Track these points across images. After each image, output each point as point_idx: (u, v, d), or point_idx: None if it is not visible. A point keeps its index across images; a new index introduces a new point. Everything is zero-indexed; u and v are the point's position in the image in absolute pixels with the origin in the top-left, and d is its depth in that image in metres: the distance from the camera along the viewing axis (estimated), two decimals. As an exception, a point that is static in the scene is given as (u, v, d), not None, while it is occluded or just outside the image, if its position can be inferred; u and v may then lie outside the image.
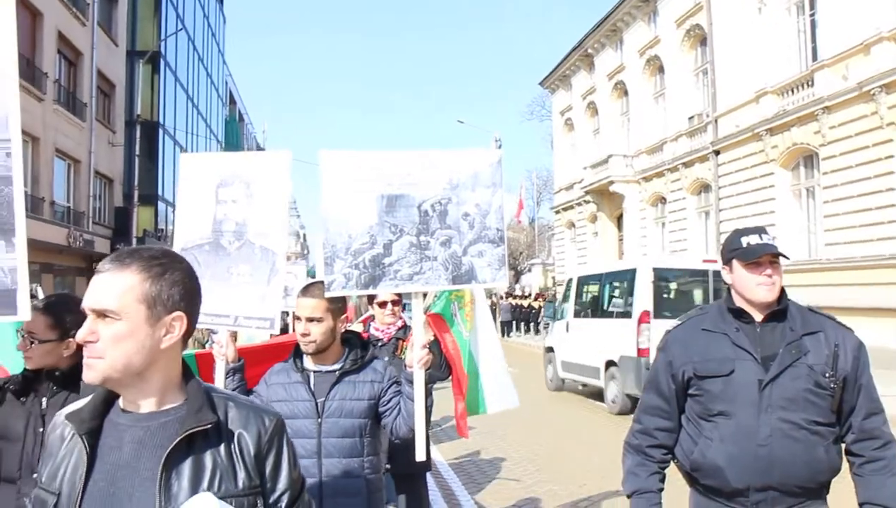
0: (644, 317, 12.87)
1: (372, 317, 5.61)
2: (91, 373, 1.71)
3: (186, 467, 1.73)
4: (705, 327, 3.13)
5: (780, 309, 3.05)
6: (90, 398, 1.84)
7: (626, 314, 13.55)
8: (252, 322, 3.49)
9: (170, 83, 37.31)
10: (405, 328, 5.58)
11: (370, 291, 3.51)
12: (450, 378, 5.67)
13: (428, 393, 3.39)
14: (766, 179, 24.99)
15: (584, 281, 16.68)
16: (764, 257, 3.00)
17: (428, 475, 8.70)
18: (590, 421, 13.09)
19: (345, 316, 3.55)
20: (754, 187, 25.61)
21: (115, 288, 1.72)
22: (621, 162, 34.93)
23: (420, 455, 3.34)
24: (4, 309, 2.18)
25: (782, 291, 3.07)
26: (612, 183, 34.79)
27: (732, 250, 3.09)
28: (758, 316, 3.05)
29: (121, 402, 1.81)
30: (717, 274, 12.59)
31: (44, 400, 3.03)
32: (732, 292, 3.13)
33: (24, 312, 2.25)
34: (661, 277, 13.60)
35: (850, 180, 20.84)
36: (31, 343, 2.97)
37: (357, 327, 5.86)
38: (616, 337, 13.69)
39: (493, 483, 8.80)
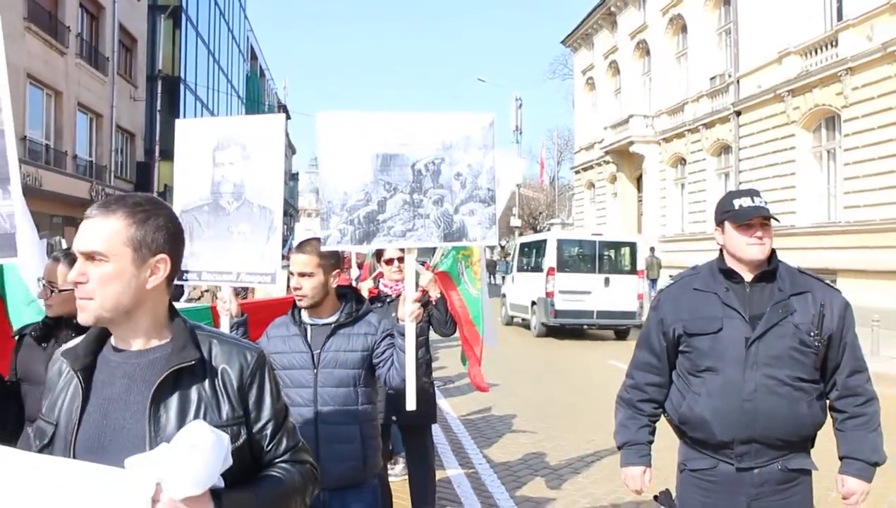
0: (550, 271, 19.41)
1: (381, 274, 5.75)
2: (83, 314, 1.85)
3: (174, 401, 1.87)
4: (696, 286, 3.25)
5: (769, 270, 3.17)
6: (84, 336, 1.99)
7: (541, 269, 19.86)
8: (254, 277, 3.67)
9: (191, 38, 37.34)
10: (413, 285, 5.72)
11: (364, 247, 3.65)
12: (457, 334, 5.82)
13: (421, 345, 3.50)
14: (787, 141, 24.80)
15: (522, 246, 23.24)
16: (755, 219, 3.11)
17: (438, 429, 8.98)
18: (597, 377, 13.27)
19: (337, 271, 3.68)
20: (775, 149, 25.42)
21: (102, 232, 1.84)
22: (642, 122, 34.71)
23: (410, 405, 3.46)
24: (5, 252, 2.30)
25: (773, 252, 3.18)
26: (632, 143, 34.62)
27: (724, 212, 3.20)
28: (748, 277, 3.16)
29: (112, 341, 1.95)
30: (603, 244, 20.44)
31: (63, 345, 3.19)
32: (724, 253, 3.23)
33: (24, 253, 2.37)
34: (562, 245, 20.20)
35: (872, 143, 20.67)
36: (52, 291, 3.12)
37: (369, 283, 6.00)
38: (536, 285, 20.03)
39: (502, 438, 8.99)
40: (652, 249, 30.23)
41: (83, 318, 1.85)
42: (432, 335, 6.09)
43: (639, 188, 36.89)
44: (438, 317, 5.58)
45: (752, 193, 3.22)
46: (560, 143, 60.69)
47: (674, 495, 3.33)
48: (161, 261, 1.91)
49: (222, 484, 1.78)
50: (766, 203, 3.19)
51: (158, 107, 33.35)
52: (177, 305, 5.22)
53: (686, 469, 3.26)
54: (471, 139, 3.55)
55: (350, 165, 3.44)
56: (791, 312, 3.08)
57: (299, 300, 3.59)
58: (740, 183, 27.55)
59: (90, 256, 1.84)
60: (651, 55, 35.51)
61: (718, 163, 30.25)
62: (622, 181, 38.13)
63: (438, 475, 7.13)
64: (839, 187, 22.66)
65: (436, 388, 11.48)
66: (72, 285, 1.87)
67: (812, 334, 3.06)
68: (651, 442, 3.36)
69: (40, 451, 1.90)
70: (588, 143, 43.27)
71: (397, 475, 6.66)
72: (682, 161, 32.75)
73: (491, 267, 37.57)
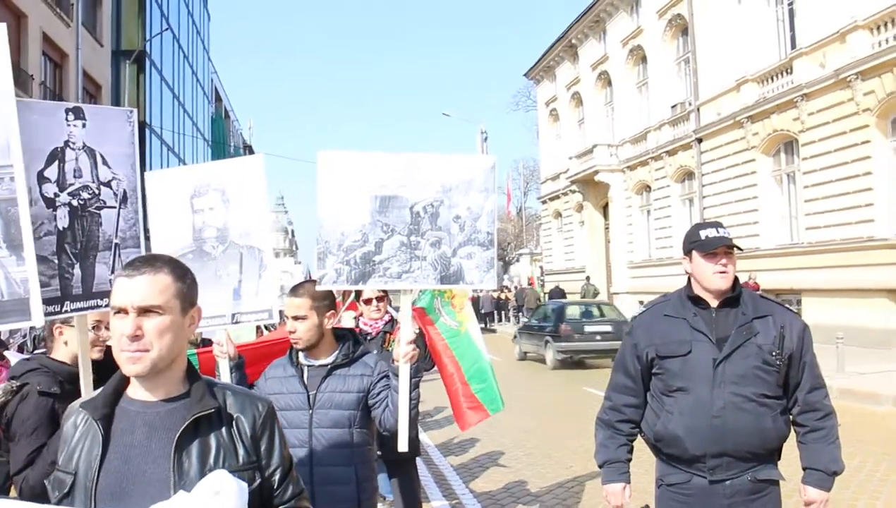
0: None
1: (361, 313, 5.89)
2: (139, 366, 1.97)
3: (195, 447, 2.01)
4: (667, 313, 3.48)
5: (733, 296, 3.40)
6: (102, 388, 2.11)
7: None
8: (251, 316, 3.75)
9: (156, 82, 37.39)
10: (392, 321, 5.86)
11: (360, 287, 3.71)
12: (435, 368, 5.96)
13: (415, 387, 3.56)
14: (748, 165, 25.38)
15: None
16: (720, 248, 3.34)
17: (421, 462, 9.06)
18: (576, 404, 13.43)
19: (331, 312, 3.74)
20: (737, 173, 25.99)
21: (156, 287, 2.00)
22: (606, 151, 35.26)
23: (402, 447, 3.51)
24: (20, 317, 2.40)
25: (736, 279, 3.40)
26: (597, 172, 35.12)
27: (692, 242, 3.44)
28: (713, 302, 3.40)
29: (130, 392, 2.08)
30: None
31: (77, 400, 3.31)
32: (692, 280, 3.46)
33: (38, 317, 2.47)
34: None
35: (829, 165, 21.25)
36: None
37: (349, 321, 6.13)
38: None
39: (485, 469, 9.12)
40: (588, 278, 33.37)
41: (136, 369, 1.97)
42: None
43: (605, 216, 37.36)
44: (419, 353, 5.71)
45: (717, 225, 3.46)
46: (526, 174, 61.39)
47: None
48: (196, 312, 2.11)
49: None
50: (729, 234, 3.41)
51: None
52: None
53: (663, 484, 3.46)
54: (472, 182, 3.59)
55: (348, 205, 3.50)
56: (754, 334, 3.32)
57: (295, 343, 3.67)
58: (704, 208, 28.08)
59: (146, 310, 1.97)
60: (613, 85, 36.16)
61: (682, 189, 30.78)
62: (589, 209, 38.58)
63: (425, 506, 7.26)
64: (800, 209, 23.18)
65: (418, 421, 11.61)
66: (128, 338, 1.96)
67: (773, 353, 3.29)
68: (629, 460, 3.57)
69: (59, 502, 2.00)
70: (553, 173, 43.77)
71: (384, 510, 6.75)
72: (647, 188, 33.27)
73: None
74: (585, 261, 38.21)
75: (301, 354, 3.74)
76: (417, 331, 5.75)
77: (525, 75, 47.97)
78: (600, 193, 36.87)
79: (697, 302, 3.42)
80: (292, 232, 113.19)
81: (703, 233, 3.41)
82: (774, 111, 23.67)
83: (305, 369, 3.72)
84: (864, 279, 19.49)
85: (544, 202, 46.69)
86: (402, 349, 3.48)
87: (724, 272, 3.34)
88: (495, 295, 38.62)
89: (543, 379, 17.67)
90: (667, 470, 3.46)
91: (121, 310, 1.98)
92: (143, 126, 35.06)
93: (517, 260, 57.68)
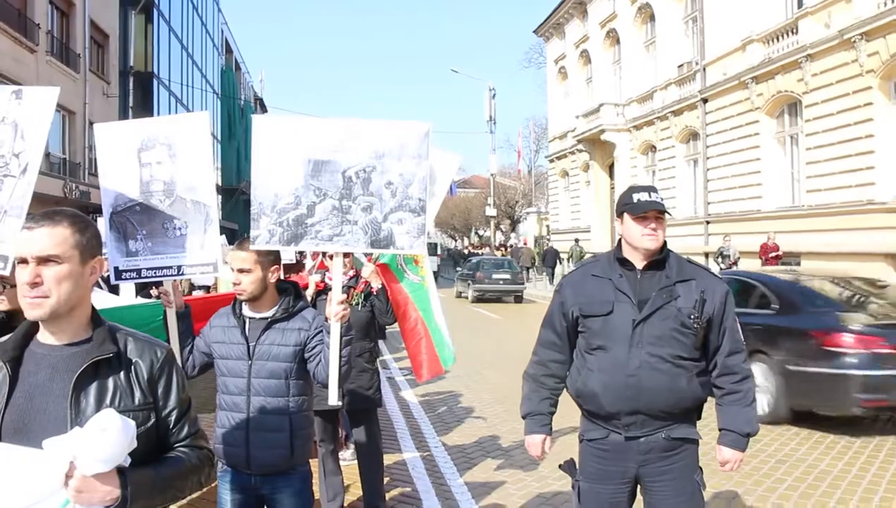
0: None
1: (327, 268, 6.05)
2: (38, 310, 2.14)
3: (93, 388, 2.19)
4: (594, 273, 3.60)
5: (659, 259, 3.51)
6: (13, 333, 2.28)
7: None
8: (195, 268, 3.90)
9: (164, 33, 37.28)
10: (356, 277, 6.03)
11: (292, 247, 3.83)
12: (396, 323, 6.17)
13: (346, 344, 3.68)
14: (752, 127, 25.28)
15: None
16: (650, 212, 3.45)
17: (399, 415, 9.33)
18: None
19: (275, 266, 3.86)
20: (741, 135, 25.90)
21: (55, 238, 2.16)
22: (612, 111, 35.11)
23: (332, 400, 3.66)
24: None
25: (664, 244, 3.52)
26: (603, 131, 35.02)
27: (624, 204, 3.55)
28: (640, 264, 3.51)
29: (39, 337, 2.26)
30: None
31: None
32: (622, 242, 3.57)
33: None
34: None
35: (831, 127, 21.15)
36: (3, 287, 3.37)
37: (317, 277, 6.29)
38: None
39: (461, 423, 9.32)
40: (576, 240, 35.31)
41: (36, 314, 2.15)
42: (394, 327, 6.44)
43: (611, 175, 37.32)
44: (380, 307, 5.89)
45: (650, 189, 3.55)
46: (538, 132, 61.06)
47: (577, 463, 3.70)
48: (98, 263, 2.27)
49: (128, 463, 2.09)
50: (661, 198, 3.52)
51: (132, 104, 33.30)
52: (131, 301, 5.54)
53: (584, 439, 3.63)
54: (405, 148, 3.65)
55: (282, 169, 3.59)
56: (675, 297, 3.43)
57: (239, 294, 3.80)
58: (708, 168, 28.07)
59: (44, 260, 2.14)
60: (621, 44, 35.89)
61: (687, 149, 30.69)
62: (595, 169, 38.53)
63: (395, 458, 7.52)
64: (802, 172, 23.13)
65: (401, 377, 11.87)
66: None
67: (692, 317, 3.40)
68: (552, 413, 3.73)
69: None
70: (561, 132, 43.65)
71: (347, 459, 6.96)
72: (653, 148, 33.18)
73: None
74: (591, 221, 38.27)
75: (244, 306, 3.87)
76: (380, 286, 5.92)
77: (535, 32, 47.55)
78: (606, 153, 36.78)
79: (624, 263, 3.53)
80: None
81: (635, 197, 3.50)
82: (779, 72, 23.51)
83: (247, 321, 3.85)
84: (864, 243, 19.49)
85: (552, 161, 46.59)
86: (333, 308, 3.59)
87: (652, 235, 3.44)
88: (498, 253, 38.90)
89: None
90: (587, 426, 3.62)
91: (23, 260, 2.15)
92: (150, 77, 35.08)
93: (525, 219, 57.74)
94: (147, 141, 3.86)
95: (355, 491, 6.37)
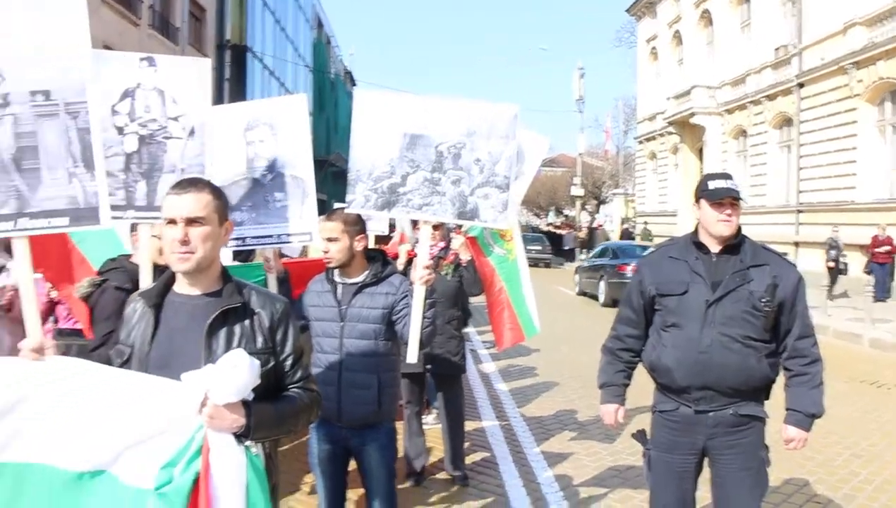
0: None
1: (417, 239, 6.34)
2: (185, 264, 2.53)
3: (222, 333, 2.57)
4: (671, 254, 3.81)
5: (734, 244, 3.69)
6: (155, 283, 2.69)
7: None
8: (293, 237, 4.22)
9: (258, 6, 38.08)
10: (446, 248, 6.31)
11: (384, 214, 4.10)
12: (483, 295, 6.42)
13: (429, 307, 3.91)
14: (850, 114, 24.53)
15: None
16: (726, 199, 3.62)
17: (480, 385, 9.62)
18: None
19: (361, 235, 4.13)
20: (837, 122, 25.17)
21: (200, 202, 2.53)
22: (704, 93, 34.46)
23: (411, 358, 3.93)
24: (92, 221, 2.86)
25: (739, 229, 3.68)
26: (693, 114, 34.44)
27: (701, 191, 3.73)
28: (715, 248, 3.69)
29: (176, 287, 2.64)
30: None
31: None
32: (699, 227, 3.75)
33: (106, 221, 2.93)
34: None
35: (934, 117, 20.39)
36: None
37: (407, 246, 6.57)
38: None
39: (539, 396, 9.57)
40: (645, 222, 36.56)
41: (184, 267, 2.53)
42: (480, 299, 6.71)
43: (701, 159, 36.70)
44: (468, 278, 6.15)
45: (727, 176, 3.72)
46: (628, 113, 60.16)
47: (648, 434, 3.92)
48: (229, 225, 2.66)
49: (251, 398, 2.39)
50: (737, 186, 3.67)
51: (227, 76, 34.21)
52: (232, 264, 5.99)
53: (656, 410, 3.84)
54: (494, 128, 3.90)
55: (379, 140, 3.89)
56: (748, 281, 3.60)
57: (327, 262, 4.11)
58: (801, 155, 27.41)
59: (192, 221, 2.50)
60: (714, 25, 35.12)
61: (780, 135, 29.99)
62: (684, 152, 37.96)
63: (475, 425, 7.81)
64: (901, 162, 22.39)
65: (484, 349, 12.18)
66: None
67: (763, 300, 3.57)
68: (626, 385, 3.96)
69: (121, 367, 2.59)
70: (651, 114, 43.07)
71: (430, 423, 7.27)
72: (744, 133, 32.50)
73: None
74: (678, 205, 37.78)
75: (336, 272, 4.18)
76: (469, 258, 6.17)
77: (627, 11, 46.89)
78: (696, 136, 36.18)
79: (700, 247, 3.71)
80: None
81: (712, 184, 3.68)
82: (882, 57, 22.74)
83: (340, 286, 4.15)
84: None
85: (640, 142, 46.07)
86: (419, 272, 3.86)
87: (727, 221, 3.62)
88: (580, 234, 38.96)
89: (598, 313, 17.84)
90: (660, 398, 3.83)
91: (171, 221, 2.52)
92: (244, 50, 35.93)
93: (611, 200, 57.19)
94: (252, 121, 4.18)
95: (436, 454, 6.68)
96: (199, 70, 3.64)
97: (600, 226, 45.03)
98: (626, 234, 35.28)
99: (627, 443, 7.21)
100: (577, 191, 47.23)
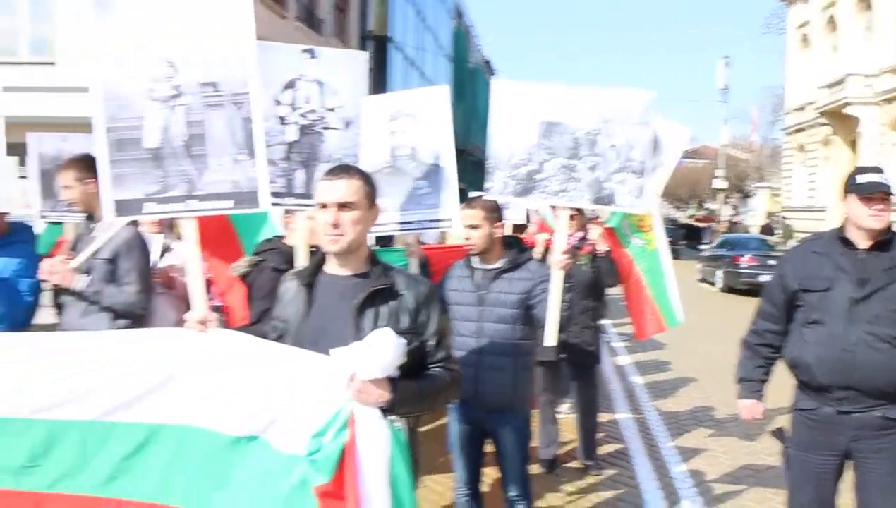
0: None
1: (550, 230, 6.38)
2: (336, 246, 2.69)
3: (370, 312, 2.70)
4: (815, 250, 3.71)
5: (884, 240, 3.55)
6: (308, 263, 2.88)
7: None
8: (435, 224, 4.35)
9: (400, -2, 38.75)
10: (584, 239, 6.31)
11: (521, 200, 4.20)
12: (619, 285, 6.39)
13: (568, 291, 4.01)
14: None
15: None
16: (876, 193, 3.48)
17: (614, 378, 9.59)
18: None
19: (500, 223, 4.23)
20: None
21: (351, 188, 2.68)
22: (860, 82, 32.62)
23: (549, 340, 4.00)
24: (252, 204, 3.03)
25: (889, 225, 3.55)
26: (848, 104, 32.69)
27: (850, 185, 3.61)
28: (863, 244, 3.56)
29: (327, 268, 2.81)
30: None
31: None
32: (846, 222, 3.63)
33: (265, 204, 3.09)
34: None
35: None
36: None
37: (545, 236, 6.61)
38: None
39: (675, 391, 9.42)
40: (783, 217, 36.60)
41: (335, 248, 2.69)
42: (614, 290, 6.70)
43: (854, 152, 34.83)
44: (605, 268, 6.14)
45: (877, 170, 3.59)
46: (775, 103, 57.71)
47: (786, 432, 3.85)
48: (377, 210, 2.80)
49: (396, 374, 2.51)
50: (888, 180, 3.53)
51: (370, 66, 34.93)
52: (373, 248, 6.17)
53: (796, 408, 3.76)
54: (630, 114, 3.96)
55: (517, 128, 4.00)
56: None
57: (469, 248, 4.23)
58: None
59: (343, 205, 2.66)
60: (873, 9, 33.16)
61: (944, 126, 28.11)
62: (836, 145, 36.11)
63: (609, 416, 7.80)
64: None
65: (619, 342, 12.09)
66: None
67: None
68: (764, 381, 3.89)
69: (276, 341, 2.79)
70: (800, 104, 41.14)
71: (563, 413, 7.30)
72: (903, 124, 30.63)
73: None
74: (827, 201, 36.01)
75: (475, 259, 4.29)
76: (606, 249, 6.16)
77: (778, -4, 44.90)
78: (850, 128, 34.33)
79: (847, 242, 3.59)
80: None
81: (861, 178, 3.56)
82: None
83: (478, 272, 4.26)
84: None
85: (788, 134, 44.13)
86: (556, 257, 3.97)
87: (878, 215, 3.48)
88: (720, 228, 37.94)
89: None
90: (800, 396, 3.74)
91: (324, 205, 2.69)
92: (385, 40, 36.61)
93: (755, 194, 55.13)
94: (395, 112, 4.33)
95: (569, 444, 6.70)
96: (357, 63, 3.82)
97: (739, 220, 43.49)
98: (767, 230, 33.98)
99: (766, 443, 7.00)
100: (719, 183, 45.76)
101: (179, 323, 2.86)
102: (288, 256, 4.08)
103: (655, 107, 4.03)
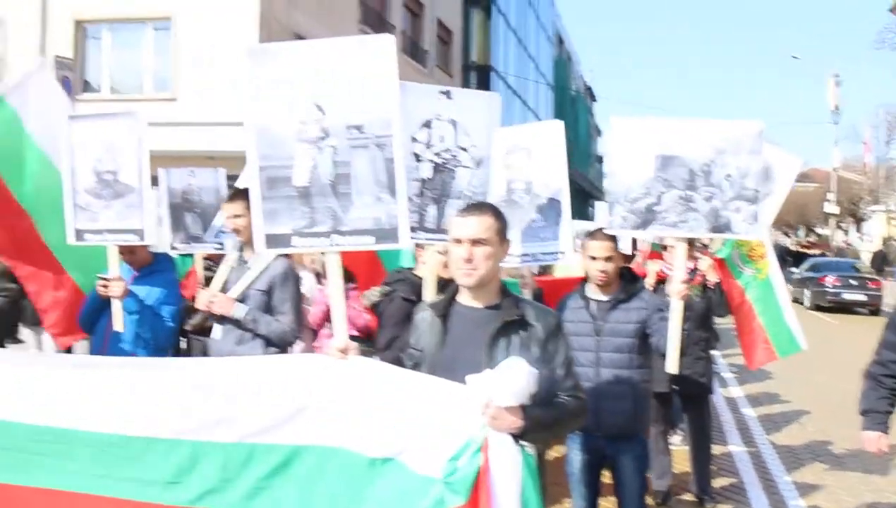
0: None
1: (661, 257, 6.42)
2: (469, 279, 2.85)
3: (501, 341, 2.84)
4: None
5: None
6: (442, 296, 3.02)
7: None
8: (548, 256, 4.49)
9: (501, 27, 39.05)
10: (694, 271, 6.29)
11: (640, 233, 4.28)
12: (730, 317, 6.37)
13: (687, 320, 4.08)
14: None
15: None
16: None
17: (726, 409, 9.44)
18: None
19: (619, 255, 4.34)
20: None
21: (483, 225, 2.83)
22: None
23: (671, 368, 4.10)
24: (392, 240, 3.14)
25: None
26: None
27: None
28: None
29: (460, 299, 2.96)
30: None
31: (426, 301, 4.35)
32: None
33: (405, 242, 3.21)
34: None
35: None
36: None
37: (657, 266, 6.63)
38: None
39: (789, 424, 9.18)
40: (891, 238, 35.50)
41: (469, 281, 2.85)
42: (724, 321, 6.65)
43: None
44: (715, 299, 6.11)
45: None
46: (890, 121, 55.34)
47: None
48: (507, 245, 2.95)
49: (528, 402, 2.61)
50: None
51: (471, 96, 35.30)
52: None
53: None
54: (741, 144, 4.08)
55: (635, 163, 4.12)
56: None
57: (601, 279, 4.27)
58: None
59: (476, 241, 2.81)
60: None
61: None
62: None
63: (721, 449, 7.68)
64: None
65: (729, 373, 11.85)
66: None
67: None
68: (889, 413, 3.85)
69: (412, 369, 2.94)
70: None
71: (675, 444, 7.23)
72: None
73: None
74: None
75: (587, 289, 4.39)
76: (717, 281, 6.13)
77: (891, 10, 43.21)
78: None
79: None
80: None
81: None
82: None
83: (594, 303, 4.35)
84: None
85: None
86: (675, 286, 4.08)
87: None
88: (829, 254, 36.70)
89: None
90: None
91: (458, 241, 2.85)
92: (487, 70, 37.00)
93: (870, 217, 52.94)
94: (511, 146, 4.49)
95: (681, 476, 6.63)
96: (490, 104, 3.99)
97: (846, 244, 41.82)
98: (880, 258, 32.41)
99: (890, 480, 6.79)
100: (830, 208, 44.30)
101: (307, 350, 3.05)
102: (417, 287, 4.26)
103: (765, 137, 4.15)
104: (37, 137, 5.26)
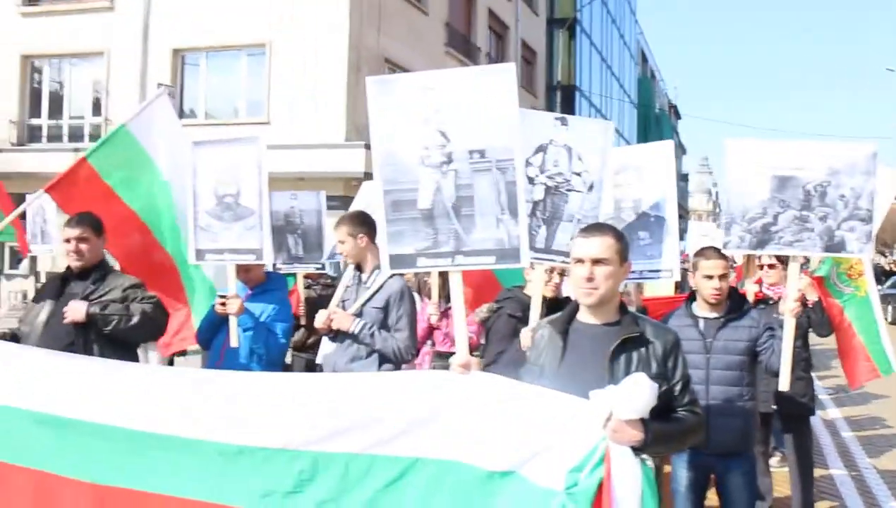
0: None
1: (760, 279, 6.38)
2: (590, 298, 2.95)
3: (622, 358, 2.93)
4: None
5: None
6: (562, 313, 3.13)
7: None
8: (656, 273, 4.61)
9: (585, 47, 39.08)
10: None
11: (758, 252, 4.32)
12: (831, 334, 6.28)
13: (798, 338, 4.11)
14: None
15: None
16: None
17: (825, 433, 9.23)
18: None
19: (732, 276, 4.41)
20: None
21: (604, 245, 2.94)
22: None
23: (783, 385, 4.12)
24: (512, 260, 3.23)
25: None
26: None
27: None
28: None
29: (579, 317, 3.06)
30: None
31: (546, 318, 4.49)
32: None
33: (525, 260, 3.31)
34: None
35: None
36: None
37: (755, 287, 6.58)
38: None
39: (892, 448, 8.89)
40: None
41: (589, 300, 2.95)
42: (825, 341, 6.55)
43: None
44: (815, 319, 6.04)
45: None
46: None
47: None
48: (628, 266, 3.04)
49: (647, 416, 2.69)
50: None
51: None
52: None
53: None
54: (855, 166, 4.11)
55: (751, 184, 4.19)
56: None
57: (715, 297, 4.34)
58: None
59: (597, 261, 2.92)
60: None
61: None
62: None
63: (821, 472, 7.52)
64: None
65: (826, 395, 11.57)
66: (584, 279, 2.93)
67: None
68: None
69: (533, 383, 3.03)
70: None
71: (773, 466, 7.12)
72: None
73: None
74: None
75: (694, 307, 4.45)
76: (816, 299, 6.07)
77: None
78: None
79: None
80: (716, 193, 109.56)
81: None
82: None
83: (702, 320, 4.41)
84: None
85: None
86: (790, 304, 4.11)
87: None
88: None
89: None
90: None
91: (580, 260, 2.96)
92: (573, 89, 37.03)
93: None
94: (621, 166, 4.61)
95: (780, 499, 6.53)
96: (604, 132, 4.11)
97: None
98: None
99: None
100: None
101: (408, 367, 3.17)
102: (525, 305, 4.38)
103: (878, 158, 4.15)
104: (159, 163, 5.59)
